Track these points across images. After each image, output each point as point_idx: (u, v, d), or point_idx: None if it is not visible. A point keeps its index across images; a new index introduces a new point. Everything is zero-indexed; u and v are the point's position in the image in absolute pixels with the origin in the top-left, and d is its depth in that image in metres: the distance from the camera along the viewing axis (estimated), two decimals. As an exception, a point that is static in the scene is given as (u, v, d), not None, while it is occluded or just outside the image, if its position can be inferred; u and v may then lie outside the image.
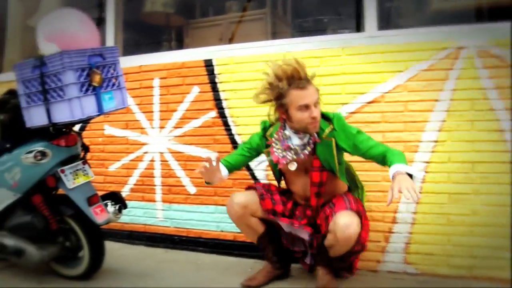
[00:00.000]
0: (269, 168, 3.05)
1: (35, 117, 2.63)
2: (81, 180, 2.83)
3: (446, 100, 2.88)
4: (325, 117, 2.62)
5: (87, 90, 2.57)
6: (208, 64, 3.46)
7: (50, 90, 2.55)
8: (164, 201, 3.63)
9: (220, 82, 3.42)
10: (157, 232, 3.67)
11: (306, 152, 2.60)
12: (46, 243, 2.89)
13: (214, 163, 2.57)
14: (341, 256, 2.63)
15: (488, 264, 2.82)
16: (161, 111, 3.63)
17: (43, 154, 2.74)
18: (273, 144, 2.68)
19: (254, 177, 3.35)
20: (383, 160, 2.49)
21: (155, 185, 3.66)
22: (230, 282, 2.92)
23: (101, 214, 2.82)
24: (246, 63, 3.35)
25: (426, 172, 2.93)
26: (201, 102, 3.48)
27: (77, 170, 2.85)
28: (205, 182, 2.72)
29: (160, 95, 3.63)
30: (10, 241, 2.88)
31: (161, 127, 3.63)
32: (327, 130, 2.57)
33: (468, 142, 2.85)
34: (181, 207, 3.58)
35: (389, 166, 2.39)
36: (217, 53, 3.45)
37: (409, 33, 2.99)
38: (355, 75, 3.07)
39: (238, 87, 3.37)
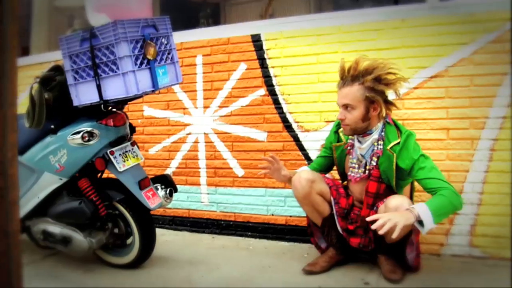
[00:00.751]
0: (322, 148, 2.91)
1: (83, 94, 2.43)
2: (131, 162, 2.64)
3: (516, 73, 2.65)
4: (398, 128, 2.48)
5: (141, 63, 2.36)
6: (256, 40, 3.24)
7: (101, 64, 2.34)
8: (209, 184, 3.44)
9: (269, 58, 3.21)
10: (202, 217, 3.49)
11: (371, 166, 2.50)
12: (94, 230, 2.69)
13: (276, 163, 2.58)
14: (399, 244, 2.47)
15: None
16: (204, 90, 3.42)
17: (91, 134, 2.54)
18: (348, 147, 2.61)
19: (307, 158, 3.12)
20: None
21: (199, 168, 3.46)
22: (289, 268, 2.76)
23: (153, 199, 2.63)
24: (296, 37, 3.13)
25: (493, 150, 2.71)
26: (249, 80, 3.27)
27: (126, 151, 2.65)
28: None
29: (204, 73, 3.42)
30: (55, 229, 2.70)
31: (205, 107, 3.43)
32: (393, 143, 2.42)
33: (538, 117, 2.63)
34: (228, 190, 3.38)
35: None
36: (265, 27, 3.24)
37: (474, 2, 2.75)
38: (416, 48, 2.85)
39: (289, 63, 3.16)
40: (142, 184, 2.61)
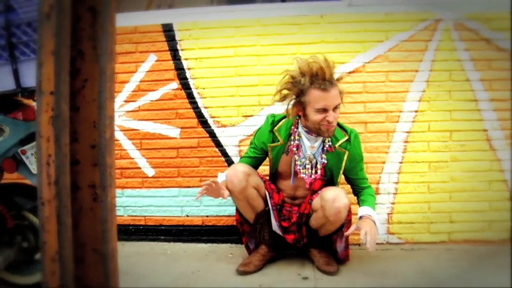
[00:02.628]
0: (241, 144, 2.89)
1: (-8, 80, 1.94)
2: (45, 162, 2.18)
3: (426, 71, 2.84)
4: (341, 126, 2.49)
5: (70, 46, 1.96)
6: (168, 29, 2.95)
7: (20, 44, 1.89)
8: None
9: (182, 50, 2.95)
10: (105, 223, 3.05)
11: (324, 161, 2.45)
12: (-1, 245, 2.19)
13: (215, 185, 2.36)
14: (330, 237, 2.50)
15: (466, 228, 2.86)
16: (108, 82, 2.99)
17: (-1, 130, 2.04)
18: (294, 148, 2.47)
19: (224, 154, 2.95)
20: (359, 194, 2.55)
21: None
22: (219, 270, 2.57)
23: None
24: (213, 29, 2.93)
25: (407, 142, 2.86)
26: (160, 72, 2.96)
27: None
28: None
29: (106, 64, 2.99)
30: None
31: (109, 101, 3.00)
32: (341, 141, 2.44)
33: (446, 111, 2.84)
34: (137, 192, 3.03)
35: (361, 205, 2.49)
36: (178, 16, 2.96)
37: (390, 2, 2.85)
38: (335, 44, 2.86)
39: (204, 55, 2.94)
40: (61, 187, 2.18)
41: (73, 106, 1.06)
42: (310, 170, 2.46)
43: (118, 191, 3.01)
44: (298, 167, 2.46)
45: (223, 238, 2.95)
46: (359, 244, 2.85)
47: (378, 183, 2.87)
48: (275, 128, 2.51)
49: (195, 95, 2.95)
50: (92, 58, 1.05)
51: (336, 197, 2.32)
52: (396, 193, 2.88)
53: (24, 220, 2.24)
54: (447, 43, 2.83)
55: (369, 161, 2.83)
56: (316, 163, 2.45)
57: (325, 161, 2.44)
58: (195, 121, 2.96)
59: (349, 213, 2.46)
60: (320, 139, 2.43)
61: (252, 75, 2.90)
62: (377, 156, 2.86)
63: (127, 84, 2.98)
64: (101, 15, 1.03)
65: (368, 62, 2.86)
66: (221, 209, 2.97)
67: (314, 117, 2.31)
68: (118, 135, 3.00)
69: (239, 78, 2.91)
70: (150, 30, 2.96)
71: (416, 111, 2.85)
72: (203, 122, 2.95)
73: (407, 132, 2.86)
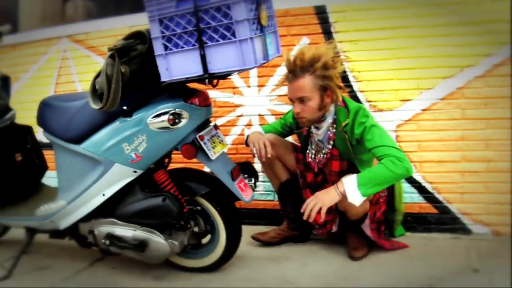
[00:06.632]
0: (398, 129, 2.69)
1: (178, 67, 1.84)
2: (219, 149, 2.09)
3: None
4: (347, 107, 2.28)
5: (255, 30, 1.81)
6: (320, 11, 2.74)
7: (208, 29, 1.76)
8: (266, 171, 2.92)
9: (337, 32, 2.73)
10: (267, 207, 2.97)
11: (328, 149, 2.35)
12: (173, 230, 2.13)
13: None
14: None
15: None
16: (259, 66, 2.86)
17: (178, 116, 1.95)
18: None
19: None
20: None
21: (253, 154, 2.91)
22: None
23: (246, 190, 2.12)
24: (368, 10, 2.66)
25: None
26: (312, 56, 2.75)
27: (212, 136, 2.09)
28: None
29: (258, 48, 2.86)
30: (126, 232, 2.11)
31: (260, 86, 2.89)
32: (344, 123, 2.25)
33: None
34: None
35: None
36: (331, -2, 2.74)
37: None
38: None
39: (359, 37, 2.69)
40: (234, 174, 2.08)
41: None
42: (321, 155, 2.37)
43: (269, 176, 2.89)
44: (308, 152, 2.43)
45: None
46: None
47: None
48: None
49: (350, 78, 2.72)
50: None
51: None
52: None
53: (196, 205, 2.18)
54: None
55: None
56: (323, 149, 2.36)
57: (331, 147, 2.32)
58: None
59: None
60: (325, 126, 2.31)
61: (411, 58, 2.62)
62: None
63: (279, 68, 2.81)
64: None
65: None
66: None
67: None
68: (270, 119, 2.86)
69: (397, 61, 2.64)
70: (302, 13, 2.76)
71: None
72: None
73: None
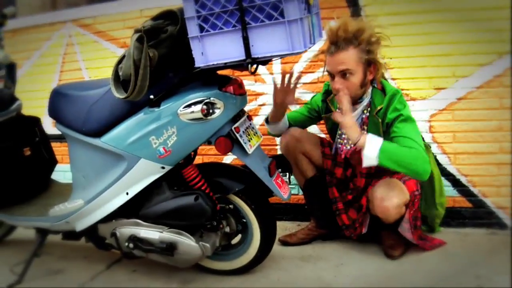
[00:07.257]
0: (432, 119, 2.53)
1: (215, 50, 1.63)
2: (255, 141, 1.89)
3: None
4: (384, 90, 2.11)
5: (304, 10, 1.61)
6: (347, -6, 2.56)
7: (251, 8, 1.56)
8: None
9: (367, 16, 2.55)
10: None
11: (364, 132, 2.07)
12: (204, 231, 1.94)
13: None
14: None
15: None
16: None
17: (211, 106, 1.75)
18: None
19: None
20: None
21: (277, 145, 2.73)
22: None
23: (283, 187, 1.93)
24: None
25: None
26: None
27: (247, 128, 1.89)
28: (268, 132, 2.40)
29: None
30: (152, 233, 1.90)
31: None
32: (378, 107, 2.09)
33: None
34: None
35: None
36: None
37: None
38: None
39: (391, 21, 2.49)
40: (272, 169, 1.89)
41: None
42: (349, 141, 2.19)
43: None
44: (338, 138, 2.27)
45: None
46: None
47: None
48: (329, 97, 2.26)
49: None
50: None
51: (386, 196, 2.03)
52: None
53: (228, 203, 1.99)
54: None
55: None
56: None
57: (365, 132, 2.06)
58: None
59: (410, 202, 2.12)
60: (360, 108, 2.13)
61: (446, 43, 2.46)
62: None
63: (304, 53, 2.62)
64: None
65: None
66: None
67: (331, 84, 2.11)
68: (294, 109, 2.66)
69: (431, 46, 2.47)
70: (330, -4, 2.58)
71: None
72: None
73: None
